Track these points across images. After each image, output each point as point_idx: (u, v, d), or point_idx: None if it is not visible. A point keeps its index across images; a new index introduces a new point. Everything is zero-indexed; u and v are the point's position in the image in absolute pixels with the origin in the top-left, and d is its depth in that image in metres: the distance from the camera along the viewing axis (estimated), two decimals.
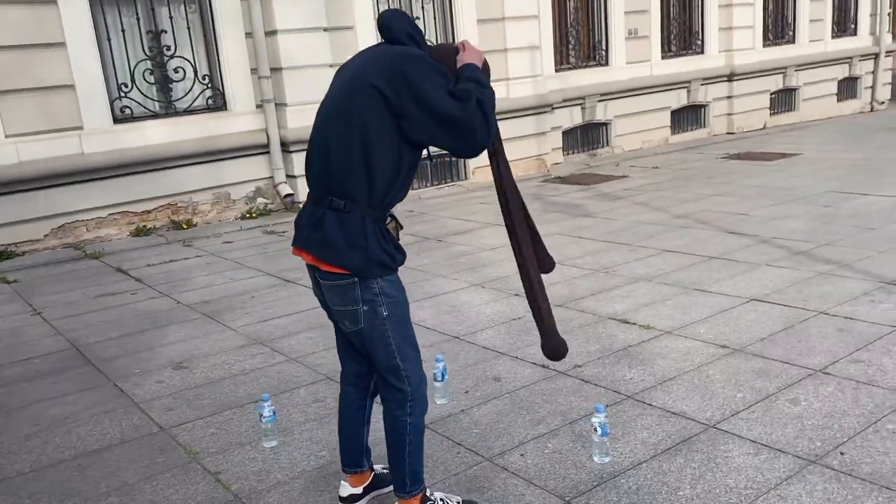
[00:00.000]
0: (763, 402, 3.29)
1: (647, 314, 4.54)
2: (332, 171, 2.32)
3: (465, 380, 3.76)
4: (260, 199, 9.10)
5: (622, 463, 2.89)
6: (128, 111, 8.25)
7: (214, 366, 4.24)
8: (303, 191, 9.02)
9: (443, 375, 3.47)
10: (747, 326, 4.22)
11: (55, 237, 7.91)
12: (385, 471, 2.78)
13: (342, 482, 2.76)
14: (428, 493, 2.57)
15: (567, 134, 11.78)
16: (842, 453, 2.84)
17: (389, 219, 2.38)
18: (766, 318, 4.33)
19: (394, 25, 2.35)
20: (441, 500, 2.58)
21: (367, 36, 9.21)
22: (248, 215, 8.92)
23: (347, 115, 2.28)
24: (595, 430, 2.88)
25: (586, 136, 12.14)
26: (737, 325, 4.24)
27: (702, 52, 13.33)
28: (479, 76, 2.32)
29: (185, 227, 8.49)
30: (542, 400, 3.49)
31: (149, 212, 8.43)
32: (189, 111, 8.61)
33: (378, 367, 2.48)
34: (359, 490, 2.74)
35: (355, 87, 2.28)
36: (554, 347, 2.57)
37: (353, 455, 2.71)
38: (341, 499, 2.74)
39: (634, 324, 4.39)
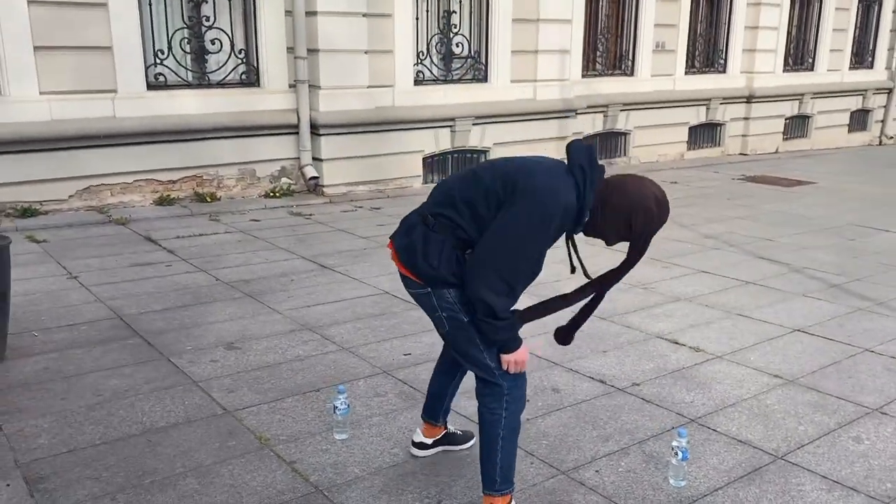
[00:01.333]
0: (826, 437, 3.36)
1: (695, 336, 4.59)
2: (451, 194, 2.47)
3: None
4: (284, 179, 9.06)
5: (698, 488, 2.94)
6: (161, 78, 8.18)
7: (267, 349, 4.24)
8: (328, 174, 9.01)
9: (345, 409, 3.21)
10: (796, 358, 4.29)
11: (80, 198, 7.84)
12: (458, 432, 3.12)
13: (417, 429, 3.10)
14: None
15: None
16: None
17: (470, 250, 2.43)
18: (812, 351, 4.39)
19: (572, 154, 2.39)
20: None
21: (404, 26, 9.19)
22: (271, 194, 8.88)
23: (495, 168, 2.47)
24: (675, 453, 2.92)
25: (605, 145, 12.19)
26: (786, 356, 4.31)
27: (724, 71, 13.41)
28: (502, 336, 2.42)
29: (208, 200, 8.44)
30: (607, 416, 3.53)
31: (174, 182, 8.37)
32: (222, 84, 8.54)
33: (472, 367, 2.53)
34: (429, 441, 3.08)
35: (517, 164, 2.45)
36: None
37: (434, 407, 3.01)
38: (413, 443, 3.09)
39: (684, 345, 4.44)
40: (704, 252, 6.72)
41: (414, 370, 3.98)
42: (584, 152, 2.35)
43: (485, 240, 2.32)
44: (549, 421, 3.47)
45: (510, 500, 2.61)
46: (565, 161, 2.40)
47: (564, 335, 2.72)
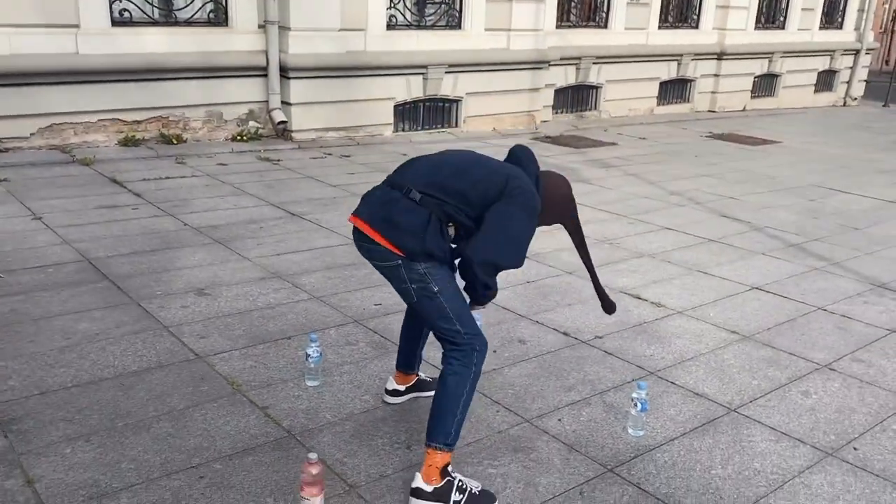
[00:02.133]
0: (777, 392, 3.52)
1: (657, 292, 4.72)
2: (434, 175, 2.56)
3: (491, 339, 3.84)
4: (252, 123, 8.95)
5: (655, 437, 3.07)
6: (127, 14, 7.96)
7: (238, 296, 4.27)
8: (297, 119, 8.91)
9: (317, 357, 3.27)
10: (753, 314, 4.45)
11: (41, 137, 7.66)
12: (429, 379, 3.23)
13: (390, 377, 3.22)
14: (451, 469, 2.57)
15: (558, 93, 11.82)
16: (855, 448, 3.08)
17: (451, 224, 2.54)
18: (769, 308, 4.56)
19: (525, 161, 2.70)
20: (461, 480, 2.54)
21: None
22: (238, 138, 8.77)
23: (479, 164, 2.63)
24: (635, 405, 3.05)
25: (577, 98, 12.20)
26: (743, 312, 4.46)
27: (697, 26, 13.44)
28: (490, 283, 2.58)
29: (174, 141, 8.31)
30: (570, 367, 3.64)
31: (139, 122, 8.22)
32: (189, 22, 8.35)
33: (439, 334, 2.59)
34: (401, 388, 3.20)
35: (495, 165, 2.64)
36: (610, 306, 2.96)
37: (407, 357, 3.14)
38: (386, 390, 3.21)
39: (646, 300, 4.57)
40: (669, 209, 6.84)
41: (384, 320, 4.05)
42: (533, 159, 2.72)
43: (490, 224, 2.47)
44: (515, 371, 3.58)
45: (445, 467, 2.54)
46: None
47: (606, 305, 2.95)
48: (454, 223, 2.53)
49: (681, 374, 3.65)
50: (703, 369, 3.71)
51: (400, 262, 2.52)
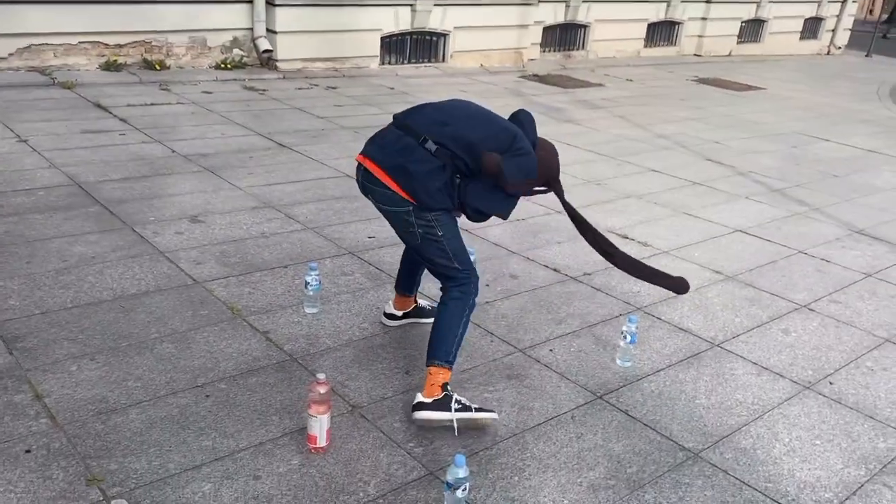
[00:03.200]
0: (758, 329, 3.66)
1: (644, 232, 4.82)
2: (446, 126, 2.59)
3: (483, 273, 3.94)
4: (236, 51, 8.79)
5: (642, 368, 3.20)
6: None
7: (232, 224, 4.29)
8: (282, 48, 8.76)
9: (317, 285, 3.34)
10: (737, 255, 4.57)
11: (20, 58, 7.48)
12: (428, 306, 3.30)
13: (389, 301, 3.33)
14: (449, 387, 2.68)
15: (546, 31, 11.70)
16: (831, 383, 3.24)
17: (459, 174, 2.60)
18: (752, 250, 4.68)
19: (527, 128, 2.72)
20: (458, 399, 2.63)
21: None
22: (222, 65, 8.62)
23: (489, 120, 2.67)
24: (624, 337, 3.16)
25: (564, 37, 12.09)
26: (727, 254, 4.58)
27: None
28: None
29: (157, 67, 8.16)
30: (560, 301, 3.75)
31: (121, 46, 8.04)
32: None
33: (436, 269, 2.69)
34: (399, 313, 3.30)
35: (503, 123, 2.69)
36: (681, 284, 2.96)
37: (406, 280, 3.21)
38: (384, 314, 3.33)
39: (633, 240, 4.67)
40: (656, 152, 6.91)
41: (378, 252, 4.11)
42: (534, 126, 2.76)
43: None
44: (508, 304, 3.67)
45: (446, 383, 2.66)
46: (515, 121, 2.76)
47: (623, 263, 2.95)
48: (461, 174, 2.59)
49: (666, 310, 3.77)
50: (688, 306, 3.83)
51: (411, 208, 2.59)
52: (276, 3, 8.57)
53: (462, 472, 2.14)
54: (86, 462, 2.32)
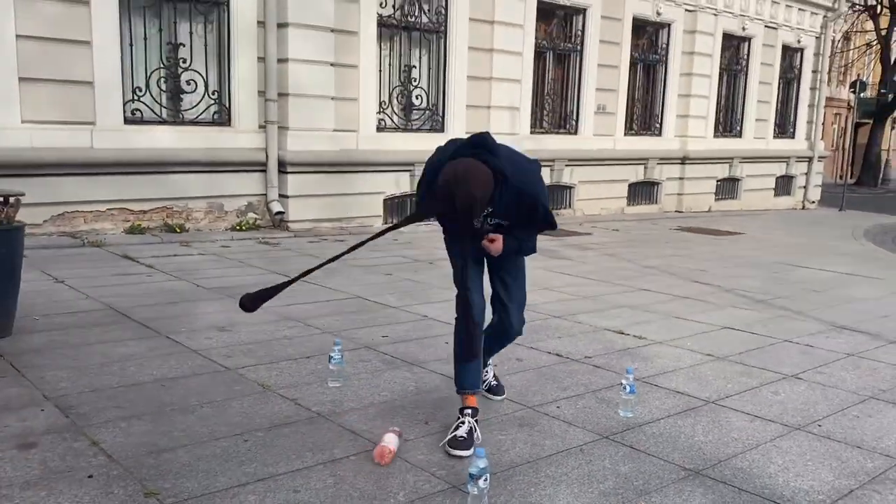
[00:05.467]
0: (750, 391, 3.93)
1: (638, 329, 5.18)
2: None
3: (492, 358, 4.27)
4: (251, 214, 9.50)
5: (644, 418, 3.46)
6: (138, 114, 8.63)
7: (257, 332, 4.65)
8: (294, 210, 9.49)
9: (340, 358, 3.68)
10: (727, 344, 4.90)
11: (53, 224, 8.13)
12: (494, 383, 3.66)
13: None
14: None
15: None
16: (819, 425, 3.48)
17: None
18: (740, 340, 5.02)
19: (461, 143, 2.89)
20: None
21: (369, 76, 9.89)
22: (237, 227, 9.29)
23: None
24: (624, 388, 3.45)
25: (552, 197, 12.97)
26: (717, 343, 4.92)
27: (660, 134, 14.49)
28: None
29: (177, 230, 8.81)
30: (564, 375, 4.05)
31: (145, 212, 8.73)
32: (195, 122, 9.04)
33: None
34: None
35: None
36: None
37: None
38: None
39: (629, 335, 5.02)
40: (645, 277, 7.39)
41: (393, 346, 4.45)
42: (464, 142, 2.90)
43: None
44: (515, 378, 3.97)
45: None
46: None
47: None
48: None
49: (663, 380, 4.06)
50: (683, 378, 4.13)
51: None
52: (288, 171, 9.40)
53: (483, 463, 2.40)
54: (142, 483, 2.56)
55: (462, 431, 2.97)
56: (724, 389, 3.95)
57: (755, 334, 5.20)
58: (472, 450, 2.83)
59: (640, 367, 4.25)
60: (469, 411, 3.07)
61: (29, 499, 2.44)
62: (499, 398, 3.59)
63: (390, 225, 3.21)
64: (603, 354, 4.49)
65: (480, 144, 2.80)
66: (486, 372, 3.60)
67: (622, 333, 5.04)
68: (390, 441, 2.82)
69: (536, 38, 11.96)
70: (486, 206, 2.82)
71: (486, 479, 2.40)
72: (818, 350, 4.85)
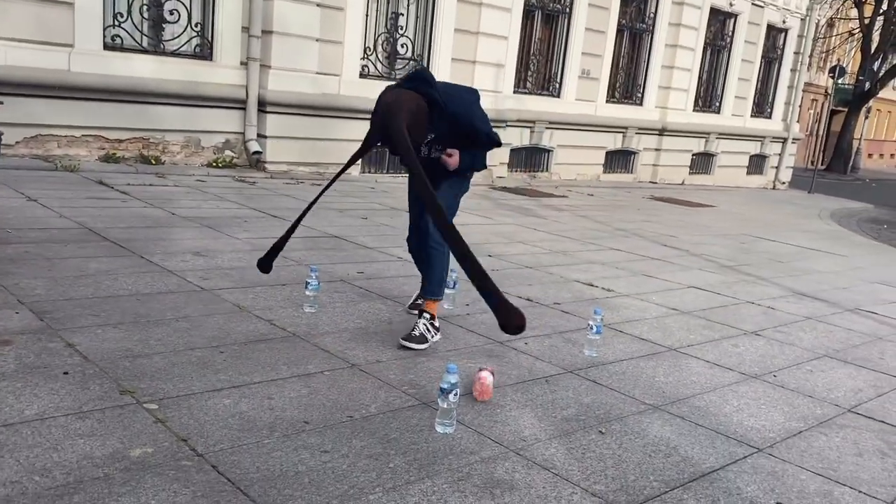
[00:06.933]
0: (711, 343, 4.08)
1: (607, 283, 5.30)
2: None
3: (463, 298, 4.35)
4: (228, 152, 9.42)
5: (608, 357, 3.58)
6: (118, 40, 8.45)
7: (233, 259, 4.68)
8: (271, 151, 9.43)
9: (316, 284, 3.76)
10: (692, 301, 5.04)
11: (26, 146, 7.99)
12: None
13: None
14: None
15: (514, 152, 12.64)
16: (774, 375, 3.63)
17: None
18: (705, 298, 5.17)
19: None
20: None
21: (355, 20, 9.79)
22: (214, 164, 9.21)
23: None
24: (591, 327, 3.56)
25: (530, 159, 13.04)
26: (683, 300, 5.06)
27: (641, 104, 14.57)
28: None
29: (153, 162, 8.71)
30: (533, 317, 4.14)
31: (121, 141, 8.62)
32: (176, 53, 8.88)
33: None
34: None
35: None
36: (517, 323, 2.64)
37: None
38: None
39: (598, 287, 5.14)
40: (616, 238, 7.51)
41: (367, 281, 4.51)
42: (408, 77, 3.23)
43: None
44: (485, 317, 4.02)
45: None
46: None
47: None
48: None
49: (629, 328, 4.19)
50: (648, 327, 4.25)
51: None
52: (268, 110, 9.31)
53: (454, 378, 2.48)
54: (118, 382, 2.61)
55: (415, 331, 3.37)
56: (687, 339, 4.09)
57: (719, 294, 5.35)
58: (424, 345, 3.27)
59: (607, 316, 4.36)
60: (427, 315, 3.41)
61: (4, 389, 2.47)
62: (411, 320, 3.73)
63: (349, 161, 3.44)
64: (571, 302, 4.60)
65: (417, 77, 3.12)
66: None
67: (591, 285, 5.15)
68: (487, 377, 2.88)
69: None
70: (426, 133, 3.08)
71: (455, 394, 2.49)
72: (778, 312, 5.02)
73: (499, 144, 3.50)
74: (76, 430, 2.25)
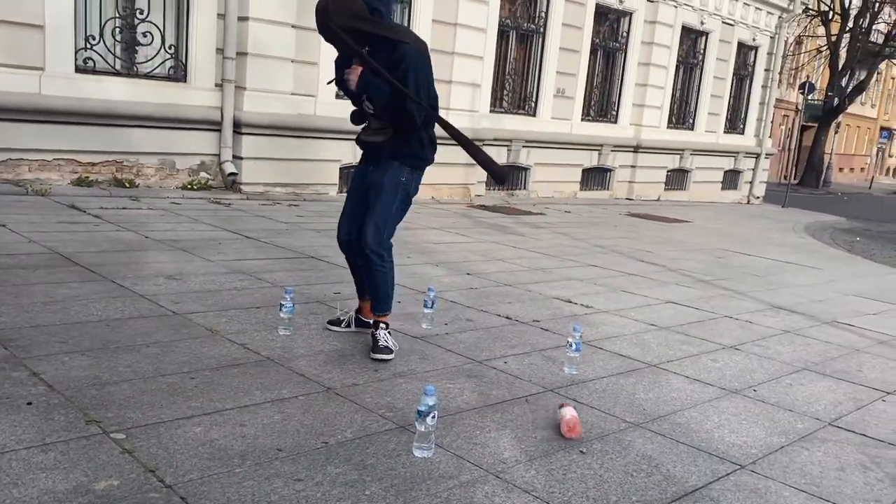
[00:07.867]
0: (690, 358, 4.06)
1: (586, 300, 5.27)
2: None
3: (442, 318, 4.31)
4: (203, 174, 9.33)
5: (588, 375, 3.54)
6: (90, 63, 8.37)
7: (206, 282, 4.60)
8: (247, 172, 9.36)
9: (291, 307, 3.69)
10: (669, 316, 5.03)
11: None
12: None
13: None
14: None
15: None
16: (754, 390, 3.62)
17: None
18: (683, 314, 5.16)
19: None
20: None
21: None
22: (189, 186, 9.12)
23: None
24: (570, 345, 3.52)
25: (512, 177, 13.06)
26: (661, 315, 5.04)
27: (616, 121, 14.68)
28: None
29: (127, 185, 8.60)
30: (512, 335, 4.11)
31: (94, 164, 8.51)
32: (150, 76, 8.81)
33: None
34: (369, 320, 3.72)
35: None
36: (501, 171, 3.76)
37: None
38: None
39: (576, 303, 5.11)
40: (594, 254, 7.51)
41: (345, 302, 4.43)
42: None
43: None
44: (465, 336, 4.01)
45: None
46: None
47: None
48: None
49: (608, 344, 4.16)
50: (627, 343, 4.23)
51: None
52: (243, 131, 9.25)
53: (432, 401, 2.43)
54: (84, 412, 2.52)
55: (380, 342, 3.44)
56: (666, 355, 4.06)
57: (697, 309, 5.35)
58: (392, 354, 3.40)
59: (586, 332, 4.33)
60: (383, 325, 3.51)
61: None
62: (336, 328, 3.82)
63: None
64: (550, 319, 4.57)
65: None
66: (348, 312, 3.86)
67: (570, 302, 5.13)
68: (572, 412, 2.83)
69: (500, 16, 11.98)
70: (362, 25, 3.24)
71: (433, 417, 2.44)
72: (756, 326, 5.02)
73: (435, 109, 3.45)
74: (38, 463, 2.16)
